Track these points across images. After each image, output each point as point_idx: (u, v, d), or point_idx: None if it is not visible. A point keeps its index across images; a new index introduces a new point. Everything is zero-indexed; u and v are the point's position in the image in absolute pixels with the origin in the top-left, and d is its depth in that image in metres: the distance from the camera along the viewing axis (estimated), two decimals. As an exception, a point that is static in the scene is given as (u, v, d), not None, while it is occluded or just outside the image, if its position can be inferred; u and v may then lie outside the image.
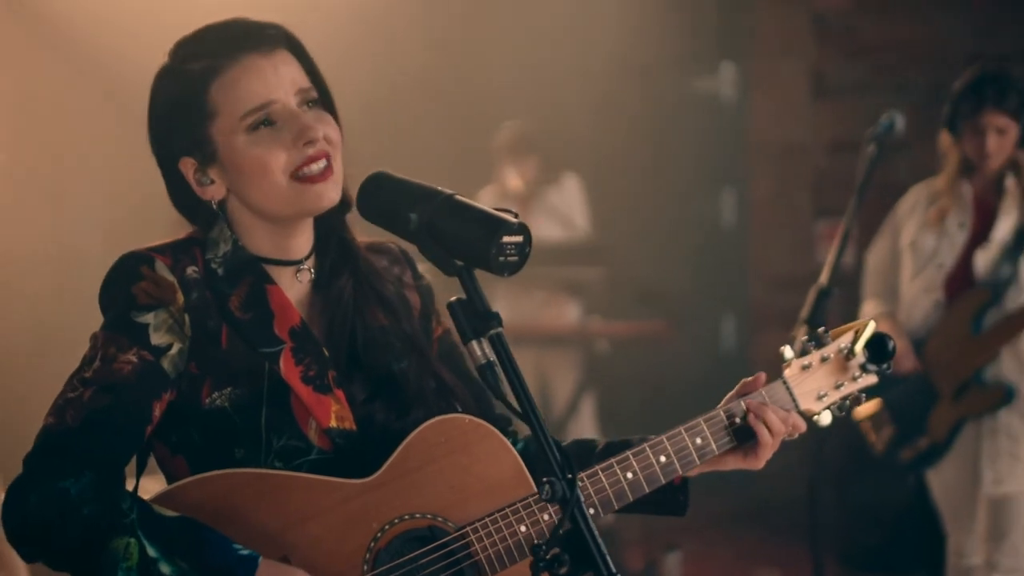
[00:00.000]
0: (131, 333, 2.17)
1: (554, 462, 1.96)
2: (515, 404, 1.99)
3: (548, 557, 1.95)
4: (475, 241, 1.98)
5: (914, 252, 4.95)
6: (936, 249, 4.89)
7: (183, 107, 2.22)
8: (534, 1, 7.59)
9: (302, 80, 2.24)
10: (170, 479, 2.24)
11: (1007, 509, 4.74)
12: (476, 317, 2.01)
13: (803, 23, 7.46)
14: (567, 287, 6.53)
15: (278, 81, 2.21)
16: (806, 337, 2.48)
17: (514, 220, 2.00)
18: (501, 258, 1.98)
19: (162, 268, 2.20)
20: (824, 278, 4.16)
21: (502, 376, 2.00)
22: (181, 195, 2.30)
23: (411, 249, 2.44)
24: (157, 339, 2.17)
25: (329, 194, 2.21)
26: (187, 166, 2.25)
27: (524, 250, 2.00)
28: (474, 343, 2.01)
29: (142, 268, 2.20)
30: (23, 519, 2.07)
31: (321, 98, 2.27)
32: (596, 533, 1.95)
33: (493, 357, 2.01)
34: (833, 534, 5.42)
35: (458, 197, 2.04)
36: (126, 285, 2.19)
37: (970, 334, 4.72)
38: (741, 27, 7.73)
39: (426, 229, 2.03)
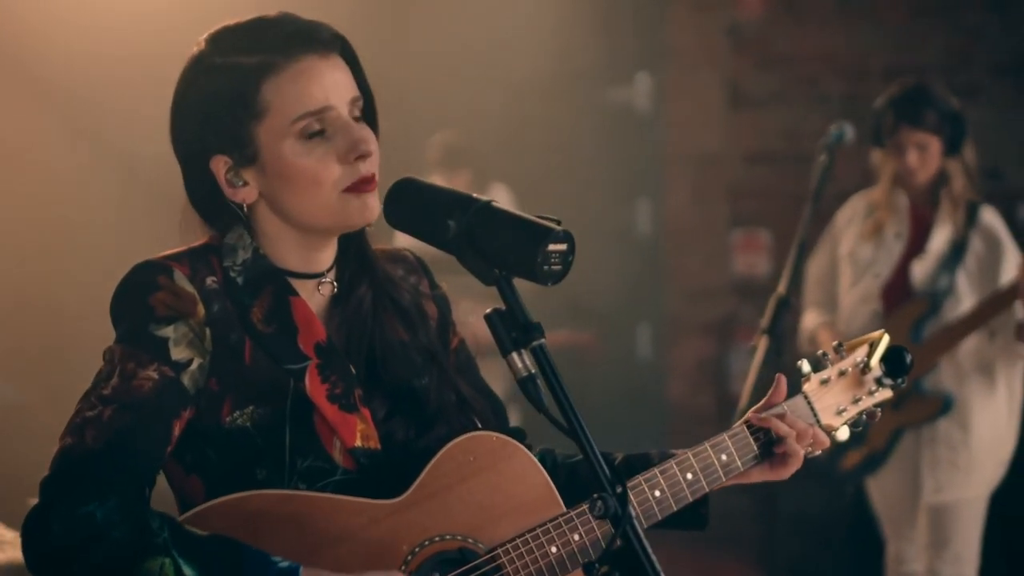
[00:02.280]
0: (150, 348, 2.05)
1: (604, 478, 1.92)
2: (559, 418, 1.95)
3: (600, 574, 1.91)
4: (520, 250, 1.94)
5: (852, 262, 4.99)
6: (873, 259, 4.94)
7: (228, 102, 2.10)
8: (452, 11, 7.54)
9: (353, 89, 2.15)
10: (181, 499, 2.15)
11: (948, 517, 4.79)
12: (517, 328, 1.96)
13: (718, 34, 7.49)
14: (494, 297, 6.45)
15: (334, 86, 2.12)
16: (822, 352, 2.46)
17: (559, 228, 1.95)
18: (546, 267, 1.93)
19: (181, 278, 2.09)
20: (782, 287, 4.17)
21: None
22: (204, 194, 2.18)
23: (428, 256, 2.40)
24: (177, 354, 2.06)
25: (375, 206, 2.13)
26: (219, 164, 2.13)
27: (567, 259, 1.96)
28: (514, 355, 1.96)
29: (160, 278, 2.08)
30: (48, 548, 1.95)
31: (366, 107, 2.19)
32: (649, 549, 1.91)
33: (535, 369, 1.96)
34: (770, 544, 5.43)
35: (496, 204, 1.99)
36: (143, 296, 2.08)
37: (909, 344, 4.76)
38: (656, 38, 7.73)
39: (465, 237, 1.97)
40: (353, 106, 2.14)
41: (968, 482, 4.79)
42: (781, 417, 2.35)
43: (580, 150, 7.75)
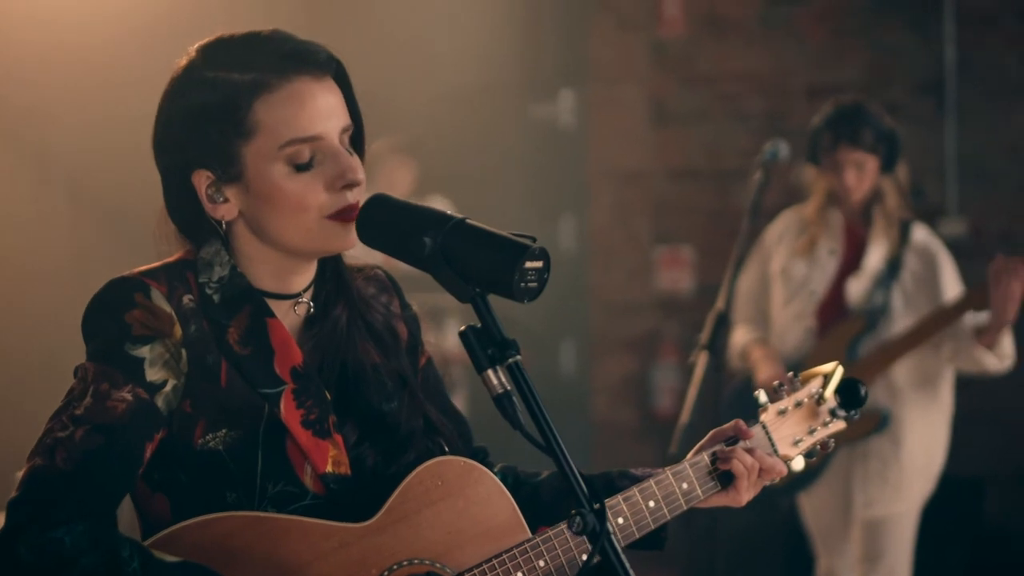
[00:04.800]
0: (125, 368, 2.01)
1: (581, 494, 1.92)
2: (535, 435, 1.94)
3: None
4: (497, 267, 1.93)
5: (785, 279, 5.02)
6: (807, 276, 4.97)
7: (216, 118, 2.06)
8: (372, 24, 7.52)
9: (345, 116, 2.12)
10: (145, 518, 2.12)
11: (880, 531, 4.84)
12: (493, 345, 1.95)
13: (642, 52, 7.53)
14: (426, 313, 6.42)
15: (328, 112, 2.08)
16: (778, 383, 2.49)
17: (535, 246, 1.95)
18: (523, 284, 1.93)
19: (158, 297, 2.05)
20: (720, 303, 4.19)
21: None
22: (183, 206, 2.14)
23: (398, 275, 2.39)
24: (152, 375, 2.03)
25: (354, 235, 2.10)
26: (201, 179, 2.09)
27: (543, 276, 1.95)
28: (490, 372, 1.95)
29: (136, 296, 2.04)
30: (15, 573, 1.91)
31: (355, 133, 2.16)
32: (627, 566, 1.91)
33: (510, 386, 1.96)
34: (700, 559, 5.45)
35: (471, 221, 1.99)
36: (118, 313, 2.03)
37: (845, 362, 4.80)
38: (580, 55, 7.76)
39: (440, 254, 1.96)
40: (344, 134, 2.11)
41: (898, 497, 4.84)
42: (751, 452, 2.35)
43: (504, 166, 7.76)
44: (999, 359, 4.69)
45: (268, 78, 2.06)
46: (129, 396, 2.00)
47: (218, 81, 2.07)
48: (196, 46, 2.13)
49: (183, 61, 2.13)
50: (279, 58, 2.08)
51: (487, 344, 1.94)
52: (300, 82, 2.07)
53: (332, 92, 2.11)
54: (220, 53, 2.10)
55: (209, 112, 2.07)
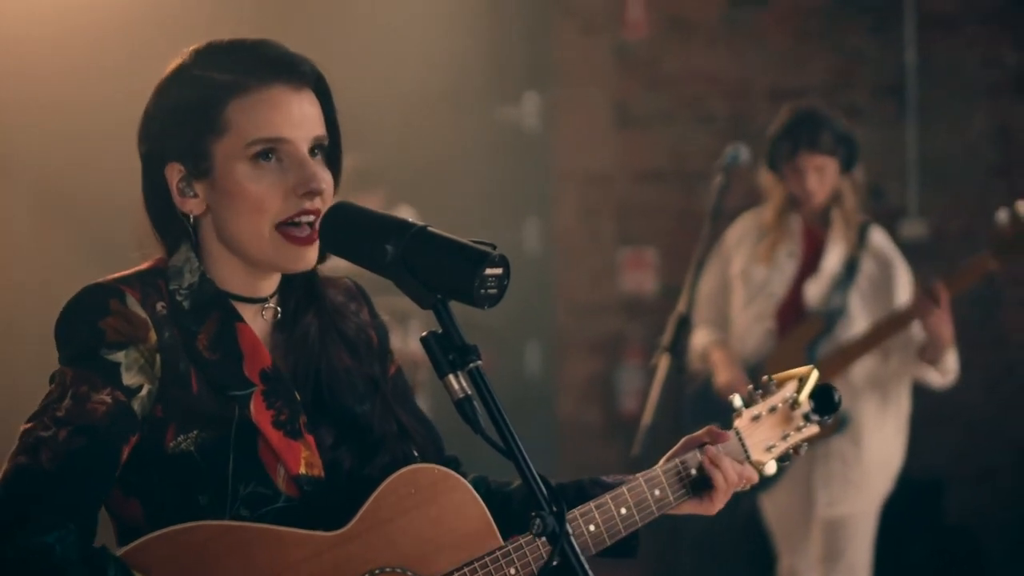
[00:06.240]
0: (102, 372, 2.05)
1: (541, 497, 1.95)
2: (495, 438, 1.97)
3: (541, 591, 1.94)
4: (457, 273, 1.96)
5: (745, 281, 5.05)
6: (767, 279, 5.01)
7: (193, 113, 2.13)
8: (335, 27, 7.52)
9: (319, 127, 2.16)
10: (119, 522, 2.15)
11: (842, 530, 4.90)
12: (453, 350, 1.98)
13: (606, 54, 7.57)
14: (392, 315, 6.41)
15: (301, 120, 2.13)
16: (752, 386, 2.50)
17: (495, 252, 1.98)
18: (483, 291, 1.95)
19: (133, 303, 2.09)
20: (682, 306, 4.23)
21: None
22: (157, 201, 2.19)
23: (368, 284, 2.42)
24: (129, 379, 2.07)
25: (308, 257, 2.16)
26: (173, 172, 2.15)
27: (503, 282, 1.98)
28: (451, 377, 1.98)
29: (111, 302, 2.08)
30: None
31: (331, 148, 2.20)
32: (587, 567, 1.94)
33: (471, 391, 1.98)
34: (664, 559, 5.49)
35: (431, 228, 2.02)
36: (93, 319, 2.07)
37: (804, 363, 4.82)
38: (544, 58, 7.79)
39: (402, 261, 1.99)
40: (316, 145, 2.16)
41: (860, 496, 4.89)
42: (717, 461, 2.38)
43: (468, 169, 7.78)
44: (942, 375, 4.79)
45: (247, 80, 2.13)
46: (108, 399, 2.05)
47: (201, 79, 2.14)
48: (190, 48, 2.20)
49: (177, 61, 2.19)
50: (262, 64, 2.14)
51: (448, 350, 1.97)
52: (277, 89, 2.13)
53: (309, 103, 2.16)
54: (208, 54, 2.17)
55: (188, 107, 2.14)
